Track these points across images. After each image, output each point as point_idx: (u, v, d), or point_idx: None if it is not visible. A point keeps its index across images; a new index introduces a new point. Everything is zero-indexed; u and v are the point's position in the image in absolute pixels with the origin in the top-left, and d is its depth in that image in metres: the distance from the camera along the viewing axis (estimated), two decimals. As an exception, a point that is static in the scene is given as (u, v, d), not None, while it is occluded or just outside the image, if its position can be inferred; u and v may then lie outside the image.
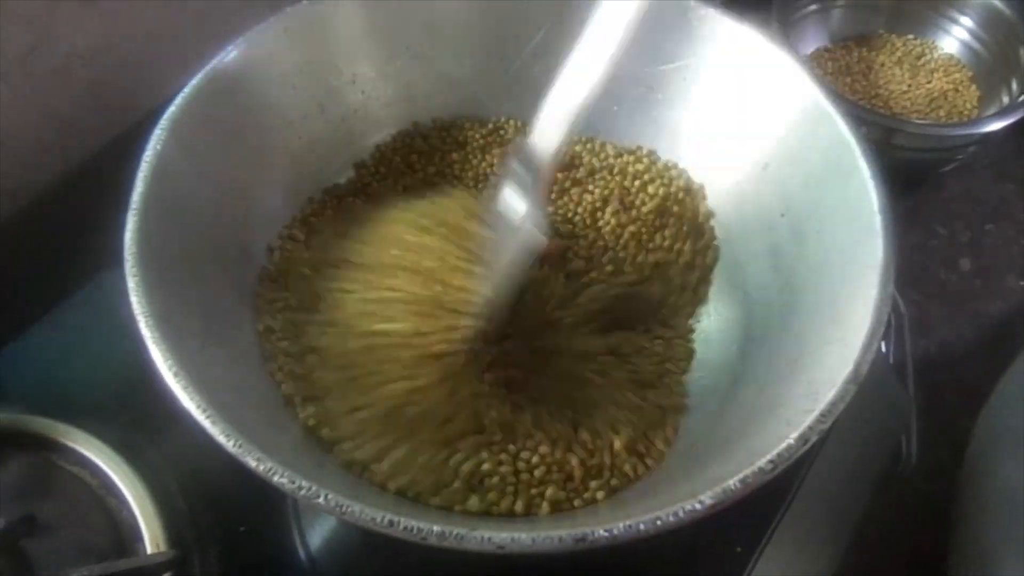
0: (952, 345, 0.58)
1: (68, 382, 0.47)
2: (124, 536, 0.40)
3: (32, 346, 0.48)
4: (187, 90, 0.37)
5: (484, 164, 0.48)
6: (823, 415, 0.29)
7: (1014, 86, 0.64)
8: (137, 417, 0.43)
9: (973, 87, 0.68)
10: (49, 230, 0.51)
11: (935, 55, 0.70)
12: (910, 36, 0.72)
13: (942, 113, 0.67)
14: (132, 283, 0.31)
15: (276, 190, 0.43)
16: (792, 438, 0.28)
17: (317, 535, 0.43)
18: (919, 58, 0.70)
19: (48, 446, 0.42)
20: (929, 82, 0.69)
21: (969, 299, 0.60)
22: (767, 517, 0.42)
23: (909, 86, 0.68)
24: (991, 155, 0.67)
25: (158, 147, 0.35)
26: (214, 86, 0.38)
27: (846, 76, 0.69)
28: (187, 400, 0.29)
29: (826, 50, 0.72)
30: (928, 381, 0.52)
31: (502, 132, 0.49)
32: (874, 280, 0.33)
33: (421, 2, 0.45)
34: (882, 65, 0.70)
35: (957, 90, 0.68)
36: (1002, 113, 0.60)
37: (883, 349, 0.50)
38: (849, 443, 0.45)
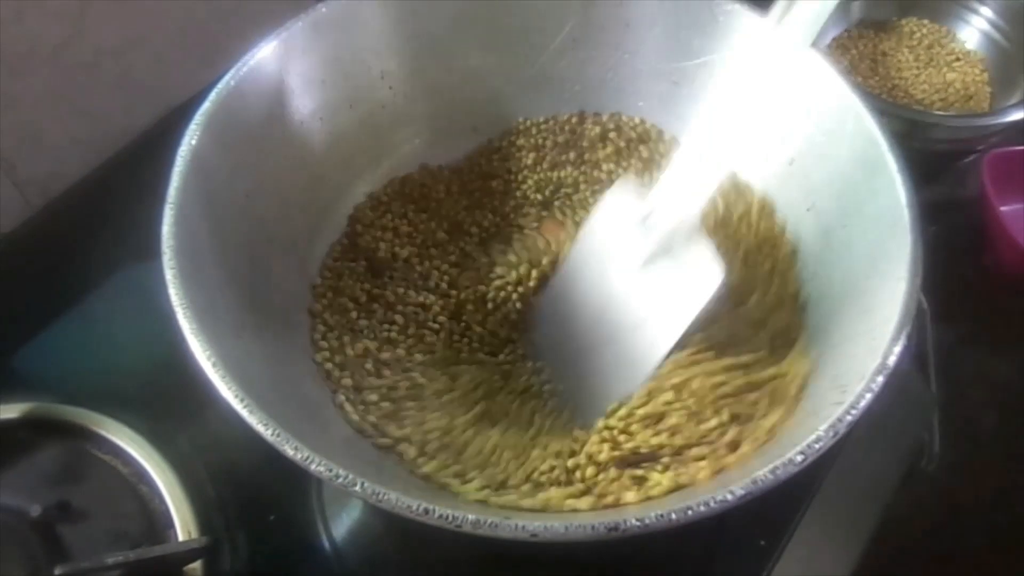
0: (975, 341, 0.58)
1: (100, 371, 0.47)
2: (156, 523, 0.40)
3: (63, 336, 0.49)
4: (220, 86, 0.38)
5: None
6: (851, 407, 0.29)
7: None
8: (168, 406, 0.44)
9: (986, 80, 0.68)
10: (79, 221, 0.52)
11: (951, 46, 0.70)
12: (926, 21, 0.71)
13: (957, 104, 0.66)
14: (170, 275, 0.32)
15: (305, 184, 0.43)
16: (821, 430, 0.28)
17: (341, 524, 0.43)
18: (931, 47, 0.70)
19: (81, 435, 0.43)
20: (944, 73, 0.68)
21: (992, 294, 0.60)
22: (791, 512, 0.42)
23: (925, 76, 0.68)
24: (1008, 145, 0.66)
25: (192, 142, 0.36)
26: (246, 82, 0.39)
27: (860, 63, 0.69)
28: (225, 390, 0.29)
29: (847, 38, 0.71)
30: (950, 377, 0.52)
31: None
32: (902, 272, 0.33)
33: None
34: (898, 54, 0.70)
35: (973, 82, 0.68)
36: None
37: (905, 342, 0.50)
38: (872, 439, 0.45)
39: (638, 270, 0.37)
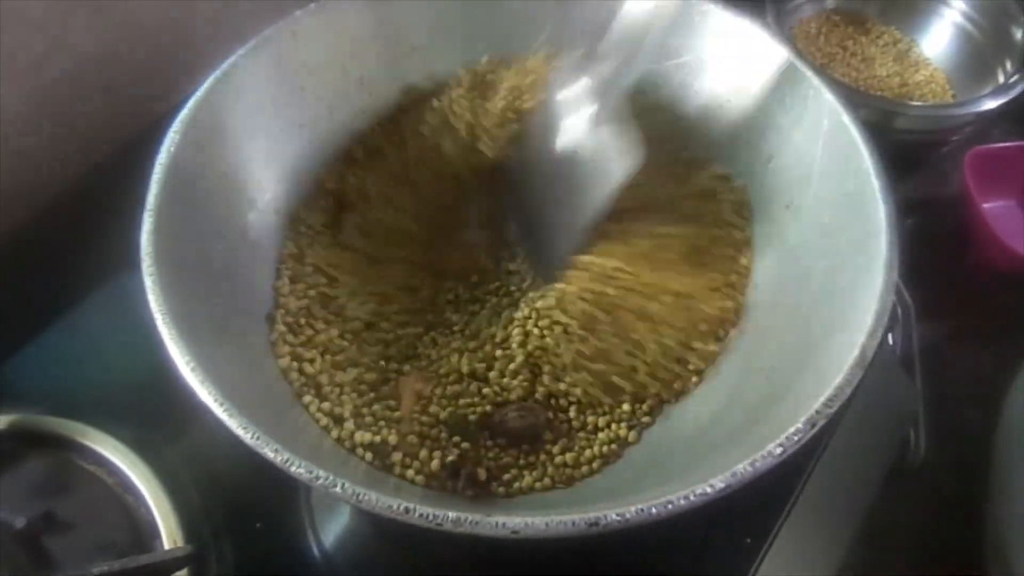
0: (959, 336, 0.58)
1: (85, 382, 0.47)
2: (142, 532, 0.40)
3: (49, 348, 0.49)
4: (199, 93, 0.38)
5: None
6: (830, 400, 0.29)
7: (1009, 65, 0.65)
8: (153, 416, 0.44)
9: (948, 86, 0.69)
10: (64, 233, 0.52)
11: (913, 56, 0.71)
12: (893, 28, 0.72)
13: (921, 100, 0.67)
14: (149, 282, 0.32)
15: (284, 190, 0.43)
16: (800, 422, 0.29)
17: (330, 531, 0.43)
18: (897, 48, 0.71)
19: (66, 445, 0.43)
20: (911, 74, 0.69)
21: (976, 290, 0.60)
22: (777, 509, 0.42)
23: (892, 70, 0.69)
24: (983, 139, 0.67)
25: (171, 149, 0.36)
26: (225, 89, 0.39)
27: (828, 49, 0.70)
28: (205, 394, 0.29)
29: (817, 22, 0.72)
30: (935, 373, 0.52)
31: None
32: (879, 267, 0.33)
33: (427, 3, 0.45)
34: (867, 50, 0.71)
35: (937, 84, 0.69)
36: (1000, 91, 0.61)
37: (890, 341, 0.50)
38: (857, 435, 0.46)
39: (577, 139, 0.39)
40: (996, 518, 0.45)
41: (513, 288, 0.44)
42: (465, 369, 0.39)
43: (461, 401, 0.38)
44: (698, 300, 0.40)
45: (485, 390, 0.38)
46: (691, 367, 0.39)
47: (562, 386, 0.38)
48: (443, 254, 0.45)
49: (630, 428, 0.38)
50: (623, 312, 0.38)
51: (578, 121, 0.38)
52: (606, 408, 0.38)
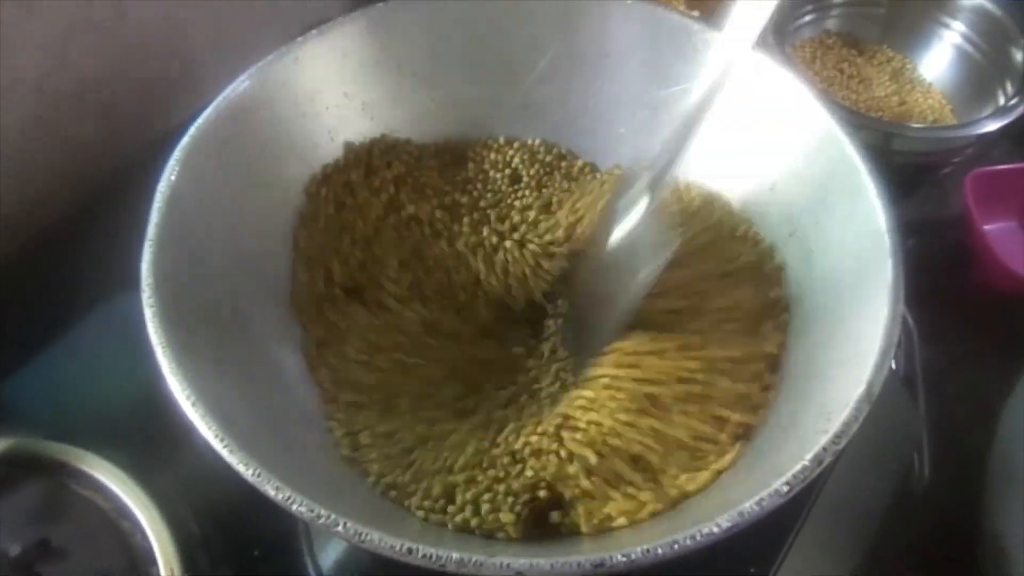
0: (962, 358, 0.58)
1: (80, 406, 0.47)
2: (138, 560, 0.40)
3: (45, 370, 0.49)
4: (199, 121, 0.38)
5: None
6: (837, 436, 0.29)
7: (1009, 87, 0.65)
8: (149, 441, 0.43)
9: (949, 108, 0.69)
10: (61, 253, 0.52)
11: (913, 76, 0.71)
12: (888, 50, 0.72)
13: (922, 121, 0.67)
14: (149, 313, 0.31)
15: (288, 218, 0.43)
16: (806, 459, 0.28)
17: (328, 558, 0.43)
18: (897, 71, 0.71)
19: (61, 470, 0.42)
20: (910, 93, 0.69)
21: (978, 311, 0.60)
22: (781, 537, 0.42)
23: (892, 90, 0.69)
24: (984, 161, 0.67)
25: (172, 178, 0.36)
26: (226, 116, 0.39)
27: (826, 71, 0.70)
28: (205, 430, 0.29)
29: (816, 44, 0.72)
30: (939, 395, 0.52)
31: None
32: (884, 299, 0.33)
33: (428, 29, 0.45)
34: (864, 71, 0.71)
35: (938, 105, 0.69)
36: (1000, 112, 0.61)
37: (892, 365, 0.50)
38: (861, 461, 0.45)
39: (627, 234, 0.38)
40: (993, 533, 0.45)
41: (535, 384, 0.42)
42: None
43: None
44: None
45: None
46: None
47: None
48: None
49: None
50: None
51: (633, 217, 0.37)
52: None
